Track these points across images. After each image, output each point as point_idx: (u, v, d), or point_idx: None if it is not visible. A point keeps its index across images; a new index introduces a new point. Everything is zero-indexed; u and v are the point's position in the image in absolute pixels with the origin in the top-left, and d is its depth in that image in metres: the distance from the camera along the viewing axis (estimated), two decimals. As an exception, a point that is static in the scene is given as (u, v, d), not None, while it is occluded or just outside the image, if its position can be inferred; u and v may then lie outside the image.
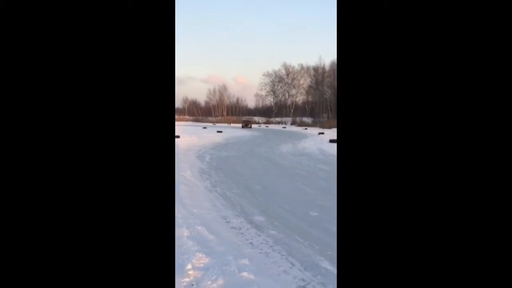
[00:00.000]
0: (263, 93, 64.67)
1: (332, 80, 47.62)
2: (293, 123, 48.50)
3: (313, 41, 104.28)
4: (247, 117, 61.17)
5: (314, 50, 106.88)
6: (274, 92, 62.50)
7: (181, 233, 3.99)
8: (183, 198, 5.72)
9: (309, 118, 48.46)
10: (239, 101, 72.76)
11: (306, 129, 36.50)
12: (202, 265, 3.16)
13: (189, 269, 3.03)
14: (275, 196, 6.22)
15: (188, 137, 19.66)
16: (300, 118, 50.30)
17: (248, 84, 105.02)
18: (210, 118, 66.91)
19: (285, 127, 42.92)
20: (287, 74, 60.34)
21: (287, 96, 61.16)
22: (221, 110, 71.03)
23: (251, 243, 3.84)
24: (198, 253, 3.38)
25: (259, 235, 4.11)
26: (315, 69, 52.56)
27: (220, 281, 2.83)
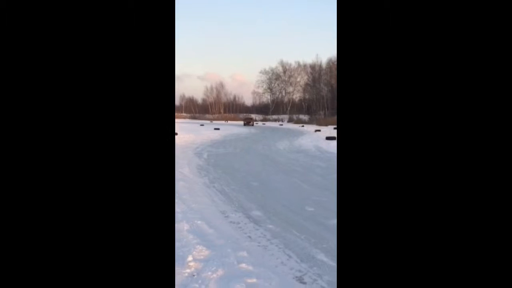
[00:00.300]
0: (260, 90, 64.88)
1: (329, 78, 47.77)
2: (290, 120, 48.64)
3: (310, 39, 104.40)
4: (246, 114, 61.21)
5: (311, 47, 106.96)
6: (271, 89, 62.65)
7: (181, 227, 4.10)
8: (182, 194, 5.83)
9: (306, 116, 48.60)
10: (236, 99, 72.89)
11: (303, 126, 36.65)
12: (202, 257, 3.27)
13: (190, 261, 3.14)
14: (272, 192, 6.34)
15: (186, 134, 19.75)
16: (297, 115, 50.44)
17: (245, 81, 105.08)
18: (207, 116, 66.97)
19: (282, 125, 43.03)
20: (284, 72, 60.50)
21: (284, 94, 61.36)
22: (218, 107, 71.10)
23: (249, 237, 3.96)
24: (198, 246, 3.49)
25: (257, 229, 4.23)
26: (312, 67, 52.75)
27: (220, 272, 2.94)
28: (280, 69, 60.98)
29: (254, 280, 2.83)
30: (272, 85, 62.18)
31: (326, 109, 46.58)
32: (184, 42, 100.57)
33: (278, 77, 61.14)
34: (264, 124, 48.28)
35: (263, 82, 63.27)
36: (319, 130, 26.79)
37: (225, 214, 4.86)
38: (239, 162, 10.39)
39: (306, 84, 54.95)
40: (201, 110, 74.59)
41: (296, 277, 3.00)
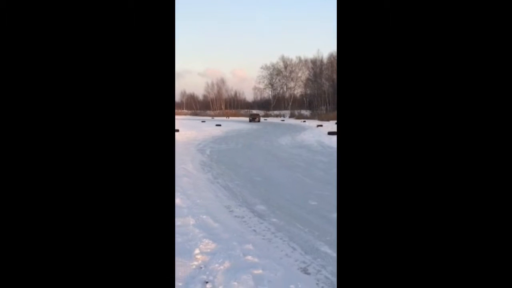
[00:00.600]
0: (261, 86, 64.88)
1: (330, 73, 47.73)
2: (291, 115, 48.68)
3: (311, 34, 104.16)
4: (247, 110, 61.19)
5: (312, 42, 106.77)
6: (272, 85, 62.66)
7: (187, 221, 4.19)
8: (186, 190, 5.91)
9: (308, 111, 48.64)
10: (237, 95, 72.90)
11: (304, 121, 36.70)
12: (209, 250, 3.36)
13: (197, 254, 3.23)
14: (276, 186, 6.42)
15: (188, 131, 19.83)
16: (298, 110, 50.49)
17: (246, 77, 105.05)
18: (208, 112, 67.04)
19: (283, 120, 43.10)
20: (285, 67, 60.48)
21: (285, 89, 61.37)
22: (219, 103, 71.13)
23: (254, 230, 4.05)
24: (204, 239, 3.58)
25: (262, 223, 4.31)
26: (313, 62, 52.70)
27: (227, 264, 3.03)
28: (281, 64, 61.04)
29: (260, 271, 2.92)
30: (273, 80, 62.24)
31: (327, 104, 46.59)
32: (184, 39, 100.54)
33: (279, 72, 61.19)
34: (265, 119, 48.35)
35: (264, 78, 63.37)
36: (321, 125, 26.85)
37: (229, 209, 4.94)
38: (241, 158, 10.47)
39: (308, 79, 54.95)
40: (202, 106, 74.63)
41: (301, 268, 3.09)
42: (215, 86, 73.28)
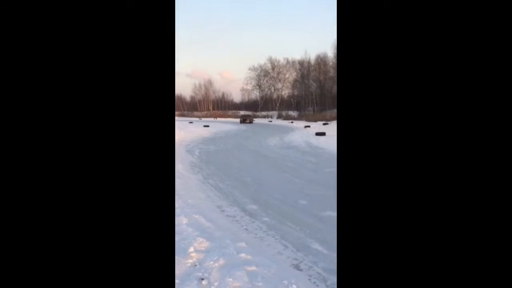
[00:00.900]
0: (249, 87, 64.85)
1: (318, 74, 48.01)
2: (279, 116, 48.80)
3: (298, 35, 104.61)
4: (235, 111, 61.16)
5: (300, 44, 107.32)
6: (260, 86, 62.70)
7: (180, 221, 4.24)
8: (178, 190, 5.96)
9: (295, 112, 48.81)
10: (225, 96, 72.86)
11: (292, 122, 36.84)
12: (203, 248, 3.43)
13: (191, 252, 3.29)
14: (266, 186, 6.50)
15: (176, 132, 19.78)
16: (286, 111, 50.63)
17: (233, 78, 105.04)
18: (195, 113, 66.86)
19: (271, 121, 43.12)
20: (273, 68, 60.58)
21: (272, 90, 61.47)
22: (206, 104, 70.99)
23: (246, 229, 4.12)
24: (198, 238, 3.64)
25: (253, 222, 4.39)
26: (301, 63, 52.92)
27: (221, 261, 3.10)
28: (269, 65, 61.11)
29: (254, 268, 2.99)
30: (261, 81, 62.28)
31: (315, 105, 46.86)
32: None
33: (267, 73, 61.26)
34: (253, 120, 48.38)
35: (252, 79, 63.28)
36: (308, 126, 27.00)
37: (221, 209, 5.01)
38: (231, 158, 10.53)
39: (295, 81, 55.17)
40: (189, 107, 74.40)
41: (293, 264, 3.18)
42: (203, 87, 73.15)
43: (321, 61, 47.94)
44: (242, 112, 57.69)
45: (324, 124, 29.92)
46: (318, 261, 3.24)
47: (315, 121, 34.72)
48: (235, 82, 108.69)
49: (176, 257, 3.18)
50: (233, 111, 62.89)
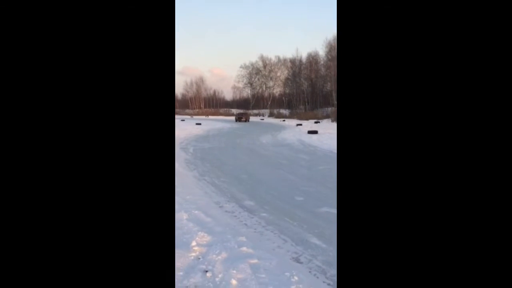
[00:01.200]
0: (241, 85, 64.95)
1: (309, 72, 48.22)
2: (270, 115, 48.92)
3: (290, 34, 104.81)
4: (226, 109, 61.06)
5: (291, 42, 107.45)
6: (251, 84, 62.81)
7: (181, 216, 4.32)
8: (175, 187, 6.02)
9: (287, 110, 48.97)
10: (216, 93, 72.80)
11: (284, 120, 37.01)
12: (205, 242, 3.51)
13: (194, 246, 3.37)
14: (261, 183, 6.60)
15: (169, 129, 19.77)
16: (277, 109, 50.75)
17: (225, 76, 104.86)
18: (187, 111, 66.65)
19: (263, 119, 43.19)
20: (264, 66, 60.71)
21: (264, 88, 61.62)
22: (198, 102, 70.86)
23: (246, 224, 4.22)
24: (199, 232, 3.73)
25: (252, 217, 4.48)
26: (292, 61, 53.10)
27: (224, 255, 3.19)
28: (261, 63, 61.26)
29: (256, 260, 3.09)
30: (253, 79, 62.43)
31: (306, 104, 47.06)
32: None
33: (258, 71, 61.38)
34: (245, 118, 48.43)
35: (243, 77, 63.41)
36: (300, 124, 27.17)
37: (219, 205, 5.09)
38: (225, 156, 10.60)
39: (287, 79, 55.37)
40: (181, 105, 74.15)
41: (293, 258, 3.28)
42: (194, 85, 73.00)
43: (313, 59, 48.18)
44: (234, 110, 57.69)
45: (315, 122, 30.16)
46: (317, 254, 3.35)
47: (307, 119, 34.94)
48: (226, 79, 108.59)
49: (179, 251, 3.26)
50: (225, 109, 62.86)
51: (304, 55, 72.24)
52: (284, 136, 17.47)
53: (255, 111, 55.30)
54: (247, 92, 64.58)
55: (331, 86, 40.02)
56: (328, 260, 3.21)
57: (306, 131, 19.00)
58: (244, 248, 3.36)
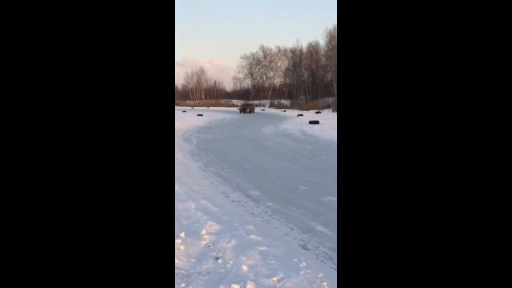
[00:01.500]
0: (241, 76, 64.76)
1: (310, 62, 48.06)
2: (271, 105, 48.86)
3: (290, 23, 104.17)
4: (227, 100, 61.01)
5: (291, 32, 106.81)
6: (252, 74, 62.63)
7: (189, 206, 4.43)
8: (181, 177, 6.12)
9: (287, 100, 48.88)
10: (217, 84, 72.66)
11: (285, 111, 37.00)
12: (214, 230, 3.62)
13: (204, 234, 3.48)
14: (266, 173, 6.69)
15: (171, 120, 19.85)
16: (278, 100, 50.67)
17: (225, 66, 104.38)
18: (188, 102, 66.61)
19: (263, 110, 43.14)
20: (265, 57, 60.47)
21: (265, 79, 61.44)
22: (199, 93, 70.74)
23: (252, 213, 4.32)
24: (208, 221, 3.83)
25: (258, 206, 4.59)
26: (293, 52, 52.92)
27: (233, 242, 3.29)
28: (261, 54, 61.02)
29: (265, 248, 3.19)
30: (253, 70, 62.23)
31: (307, 94, 46.98)
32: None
33: (259, 62, 61.13)
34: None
35: (243, 68, 63.12)
36: (301, 115, 27.20)
37: (225, 194, 5.20)
38: (228, 146, 10.70)
39: (287, 69, 55.22)
40: (181, 96, 74.04)
41: (300, 245, 3.38)
42: (195, 76, 72.81)
43: (313, 49, 47.95)
44: (235, 101, 57.60)
45: (316, 112, 30.15)
46: (323, 241, 3.45)
47: (308, 109, 34.92)
48: (226, 70, 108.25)
49: (190, 239, 3.37)
50: (226, 99, 62.77)
51: (304, 45, 71.97)
52: (286, 127, 17.54)
53: (256, 102, 55.24)
54: (247, 83, 64.41)
55: (331, 76, 39.94)
56: (334, 247, 3.31)
57: (308, 122, 19.06)
58: (253, 236, 3.47)
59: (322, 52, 46.06)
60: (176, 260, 2.94)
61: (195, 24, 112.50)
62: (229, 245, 3.24)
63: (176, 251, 3.10)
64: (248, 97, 59.83)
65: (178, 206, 4.43)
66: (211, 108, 51.35)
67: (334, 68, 36.92)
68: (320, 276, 2.73)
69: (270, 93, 57.74)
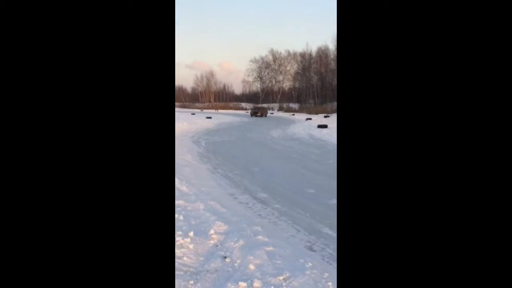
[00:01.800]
0: (250, 79, 64.97)
1: (319, 66, 48.10)
2: (280, 109, 48.94)
3: (300, 28, 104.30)
4: (236, 103, 61.20)
5: (301, 36, 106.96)
6: (261, 78, 62.85)
7: (197, 206, 4.51)
8: (190, 179, 6.22)
9: (296, 104, 48.94)
10: (226, 87, 72.95)
11: (293, 115, 37.05)
12: (222, 230, 3.69)
13: (212, 234, 3.56)
14: (273, 176, 6.76)
15: (179, 123, 19.98)
16: (287, 104, 50.75)
17: (234, 70, 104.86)
18: (197, 104, 66.96)
19: (272, 113, 43.13)
20: (274, 60, 60.67)
21: (274, 82, 61.64)
22: (208, 96, 71.09)
23: (260, 215, 4.39)
24: (216, 222, 3.91)
25: (265, 208, 4.66)
26: (302, 55, 53.01)
27: (241, 242, 3.37)
28: (270, 57, 61.22)
29: (271, 248, 3.26)
30: (262, 73, 62.44)
31: (316, 98, 46.99)
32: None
33: (268, 65, 61.38)
34: (254, 112, 48.50)
35: (253, 71, 63.38)
36: (310, 119, 27.23)
37: (233, 196, 5.27)
38: (237, 149, 10.78)
39: (296, 73, 55.32)
40: (191, 99, 74.49)
41: (307, 246, 3.44)
42: (204, 79, 73.19)
43: (323, 53, 48.01)
44: (243, 104, 57.73)
45: (325, 116, 30.15)
46: (329, 243, 3.51)
47: (316, 113, 34.92)
48: (235, 73, 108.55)
49: (199, 238, 3.45)
50: (235, 103, 62.98)
51: (314, 49, 72.02)
52: (294, 130, 17.59)
53: (265, 105, 55.37)
54: (256, 86, 64.63)
55: (341, 80, 39.74)
56: (340, 248, 3.36)
57: (316, 125, 19.10)
58: (260, 237, 3.54)
59: (332, 56, 46.05)
60: (185, 258, 3.02)
61: (206, 27, 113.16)
62: (236, 245, 3.32)
63: (185, 250, 3.19)
64: (257, 100, 59.99)
65: (187, 206, 4.52)
66: (220, 111, 51.57)
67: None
68: (325, 276, 2.79)
69: (279, 97, 57.85)
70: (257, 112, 33.82)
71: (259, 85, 63.65)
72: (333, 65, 45.14)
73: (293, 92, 55.64)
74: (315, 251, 3.34)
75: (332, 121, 23.50)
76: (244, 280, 2.66)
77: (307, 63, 51.16)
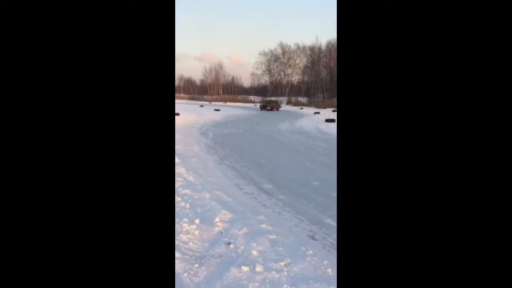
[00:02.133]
0: (259, 72, 64.89)
1: (328, 60, 47.87)
2: (288, 102, 48.86)
3: (309, 21, 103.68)
4: (244, 96, 61.21)
5: (311, 29, 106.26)
6: (269, 71, 62.73)
7: (204, 195, 4.63)
8: (197, 169, 6.35)
9: (305, 98, 48.81)
10: (234, 80, 72.96)
11: (302, 108, 37.02)
12: (227, 219, 3.81)
13: (217, 222, 3.67)
14: (279, 168, 6.86)
15: (188, 115, 20.18)
16: (295, 97, 50.61)
17: (242, 62, 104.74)
18: (205, 97, 67.14)
19: (281, 107, 43.27)
20: (283, 54, 60.48)
21: (282, 76, 61.48)
22: (216, 88, 71.18)
23: (264, 205, 4.50)
24: (222, 210, 4.03)
25: (270, 199, 4.76)
26: (311, 49, 52.79)
27: (245, 230, 3.48)
28: (279, 51, 61.04)
29: (274, 236, 3.37)
30: (271, 67, 62.31)
31: (324, 92, 46.84)
32: (179, 21, 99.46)
33: (277, 59, 61.21)
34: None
35: (262, 64, 63.30)
36: (318, 113, 27.22)
37: (239, 187, 5.39)
38: (244, 141, 10.89)
39: (305, 67, 55.12)
40: (199, 91, 74.70)
41: (309, 235, 3.55)
42: (213, 71, 73.25)
43: (332, 47, 47.69)
44: (252, 97, 57.73)
45: (333, 111, 30.05)
46: (331, 233, 3.61)
47: (325, 107, 34.84)
48: (243, 66, 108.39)
49: (204, 225, 3.57)
50: (243, 95, 63.02)
51: (323, 42, 71.66)
52: (302, 124, 17.65)
53: (273, 99, 55.35)
54: (265, 79, 64.56)
55: (350, 74, 39.55)
56: (341, 238, 3.46)
57: (324, 119, 19.12)
58: (263, 225, 3.65)
59: (341, 50, 45.61)
60: (191, 244, 3.14)
61: (214, 18, 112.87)
62: (240, 232, 3.43)
63: (191, 236, 3.31)
64: (265, 93, 59.92)
65: (194, 195, 4.65)
66: (228, 103, 51.66)
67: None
68: (325, 263, 2.89)
69: (287, 90, 57.74)
70: (267, 106, 31.91)
71: (267, 78, 63.57)
72: (342, 59, 44.72)
73: (301, 85, 55.47)
74: (316, 240, 3.44)
75: (340, 115, 23.44)
76: (247, 265, 2.77)
77: (317, 56, 50.93)
